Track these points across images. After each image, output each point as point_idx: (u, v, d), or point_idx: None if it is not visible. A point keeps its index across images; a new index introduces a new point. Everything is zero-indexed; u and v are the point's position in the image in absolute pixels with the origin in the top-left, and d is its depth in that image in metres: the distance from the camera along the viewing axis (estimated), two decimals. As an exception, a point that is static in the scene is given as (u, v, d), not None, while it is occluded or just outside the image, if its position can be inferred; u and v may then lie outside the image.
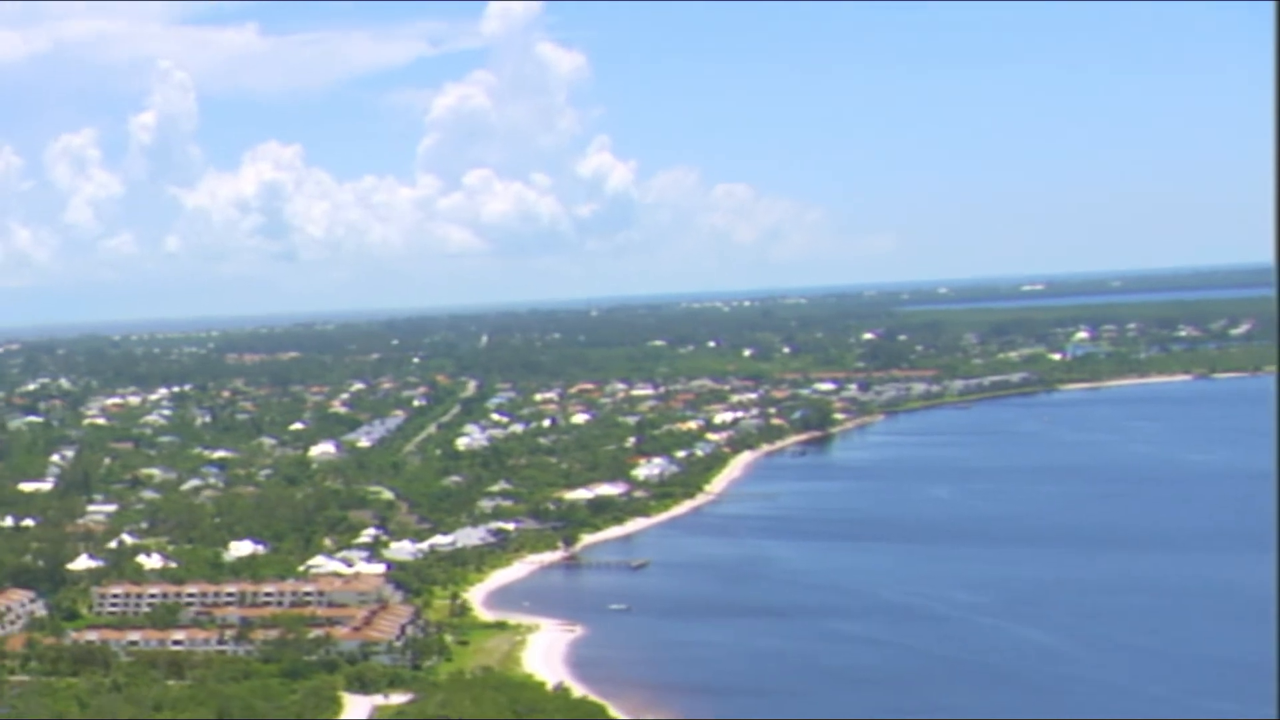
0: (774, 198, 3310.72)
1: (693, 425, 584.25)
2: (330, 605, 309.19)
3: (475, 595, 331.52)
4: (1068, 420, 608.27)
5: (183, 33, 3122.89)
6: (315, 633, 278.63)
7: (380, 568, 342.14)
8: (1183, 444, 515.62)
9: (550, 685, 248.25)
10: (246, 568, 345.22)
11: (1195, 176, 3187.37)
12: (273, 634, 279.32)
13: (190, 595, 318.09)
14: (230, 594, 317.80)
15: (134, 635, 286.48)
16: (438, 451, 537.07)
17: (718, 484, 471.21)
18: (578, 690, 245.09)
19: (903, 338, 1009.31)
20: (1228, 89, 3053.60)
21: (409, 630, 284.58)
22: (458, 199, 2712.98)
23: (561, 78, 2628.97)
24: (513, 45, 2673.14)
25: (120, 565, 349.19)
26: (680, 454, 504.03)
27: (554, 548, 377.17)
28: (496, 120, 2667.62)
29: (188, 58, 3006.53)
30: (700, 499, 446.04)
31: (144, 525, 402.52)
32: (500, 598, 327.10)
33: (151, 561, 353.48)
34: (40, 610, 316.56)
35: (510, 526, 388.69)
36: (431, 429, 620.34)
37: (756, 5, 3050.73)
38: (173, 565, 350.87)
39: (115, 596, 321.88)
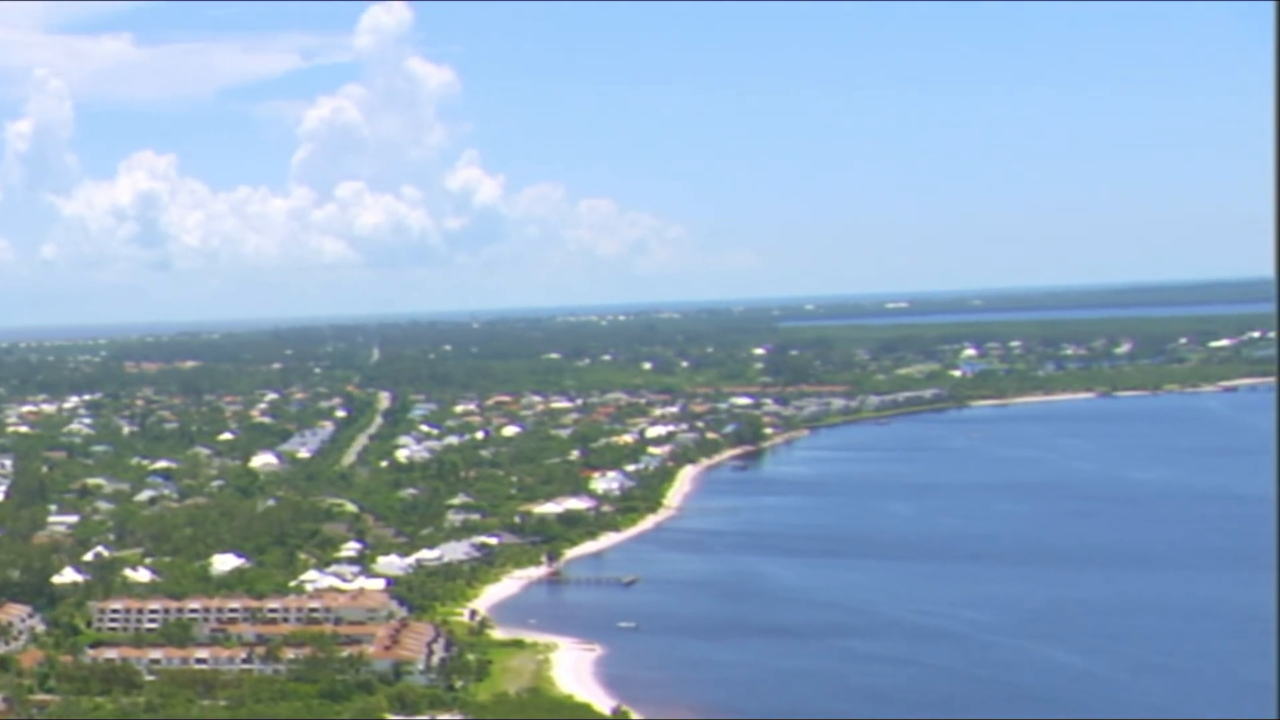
0: (637, 213, 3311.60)
1: (628, 439, 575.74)
2: (339, 622, 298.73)
3: (468, 611, 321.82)
4: (994, 437, 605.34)
5: (59, 41, 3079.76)
6: (344, 651, 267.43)
7: (380, 583, 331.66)
8: (1119, 462, 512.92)
9: (607, 709, 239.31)
10: (240, 582, 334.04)
11: (1045, 198, 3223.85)
12: (303, 652, 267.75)
13: (194, 610, 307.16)
14: (234, 609, 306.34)
15: (156, 653, 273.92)
16: (383, 463, 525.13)
17: (673, 498, 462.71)
18: (634, 714, 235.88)
19: (794, 353, 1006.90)
20: (1078, 109, 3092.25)
21: (435, 649, 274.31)
22: (331, 210, 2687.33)
23: (431, 92, 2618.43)
24: (383, 59, 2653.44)
25: (107, 579, 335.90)
26: (630, 467, 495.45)
27: (536, 563, 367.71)
28: (368, 133, 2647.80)
29: (64, 66, 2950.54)
30: (662, 514, 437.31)
31: (110, 537, 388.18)
32: (502, 614, 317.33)
33: (139, 575, 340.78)
34: (39, 626, 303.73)
35: (493, 541, 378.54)
36: (363, 440, 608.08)
37: (619, 25, 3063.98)
38: (159, 579, 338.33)
39: (116, 612, 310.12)
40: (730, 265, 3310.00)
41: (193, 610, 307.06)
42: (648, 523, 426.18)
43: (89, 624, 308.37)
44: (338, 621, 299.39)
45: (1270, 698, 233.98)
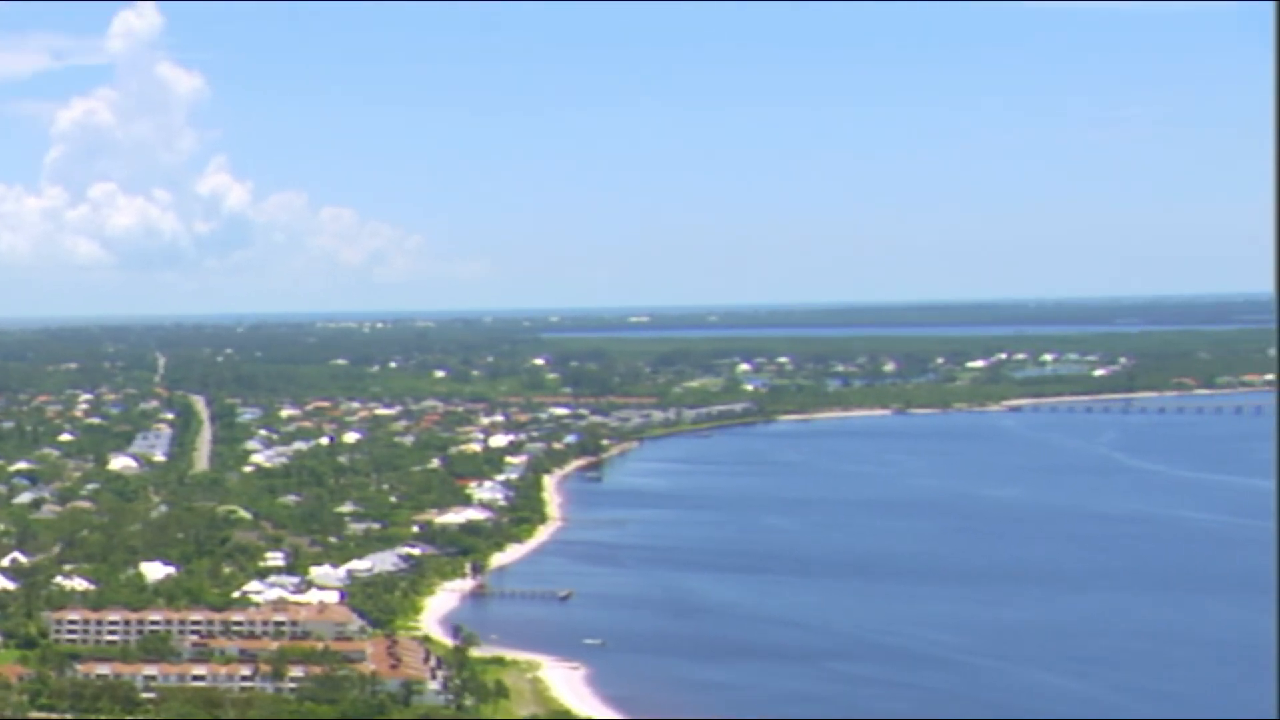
0: (378, 222, 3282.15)
1: (475, 448, 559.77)
2: (305, 636, 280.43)
3: (427, 627, 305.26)
4: (824, 452, 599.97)
5: None
6: (344, 670, 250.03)
7: (334, 595, 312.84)
8: (963, 479, 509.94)
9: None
10: (183, 592, 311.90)
11: (778, 216, 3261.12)
12: (308, 670, 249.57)
13: (155, 623, 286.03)
14: (198, 622, 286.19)
15: (150, 669, 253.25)
16: (246, 469, 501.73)
17: (553, 509, 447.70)
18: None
19: (574, 364, 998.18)
20: (814, 122, 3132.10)
21: (438, 669, 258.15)
22: (84, 211, 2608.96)
23: (182, 97, 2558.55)
24: (135, 63, 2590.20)
25: (34, 587, 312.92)
26: (500, 477, 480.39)
27: (460, 574, 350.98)
28: (120, 135, 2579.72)
29: None
30: (552, 525, 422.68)
31: (13, 543, 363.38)
32: (456, 630, 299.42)
33: (72, 583, 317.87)
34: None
35: (416, 551, 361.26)
36: (205, 444, 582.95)
37: (361, 38, 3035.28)
38: (92, 588, 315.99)
39: (74, 623, 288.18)
40: (466, 275, 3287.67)
41: (154, 622, 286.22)
42: (543, 534, 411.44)
43: (43, 635, 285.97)
44: (304, 636, 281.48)
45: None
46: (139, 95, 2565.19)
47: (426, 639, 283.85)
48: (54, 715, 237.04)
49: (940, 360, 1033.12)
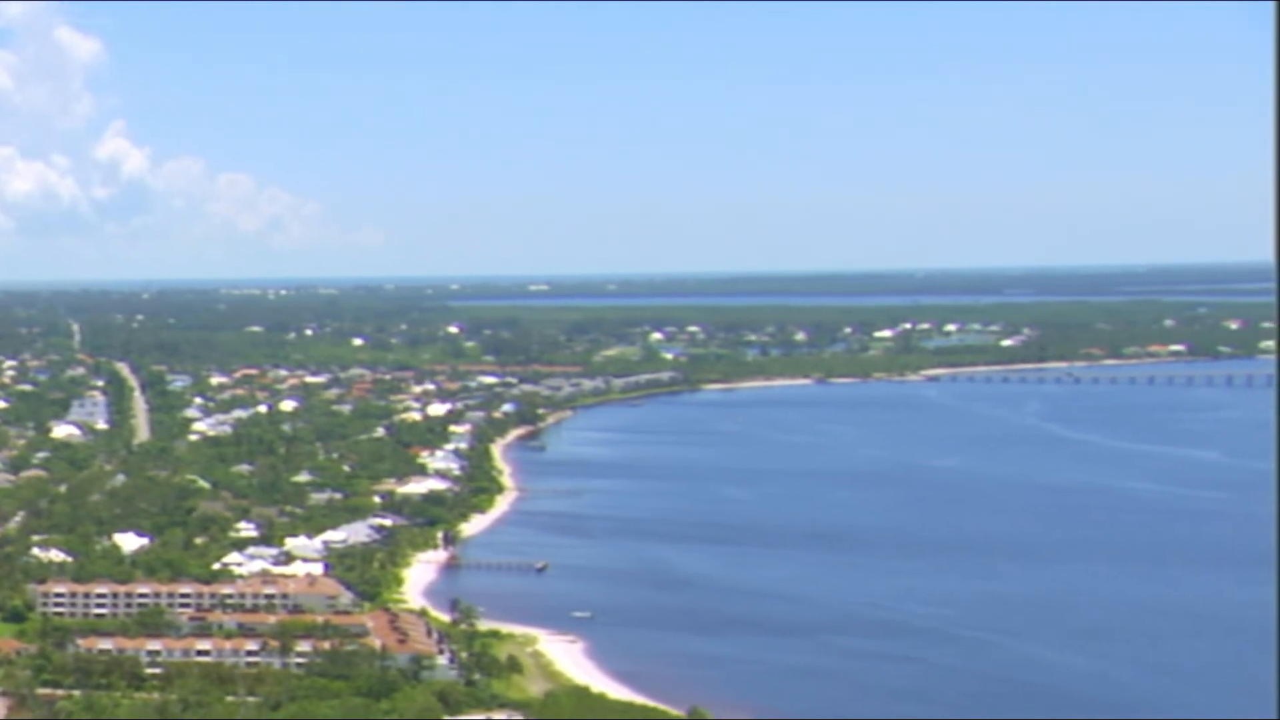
0: (275, 189, 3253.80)
1: (416, 416, 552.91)
2: (297, 609, 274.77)
3: (411, 599, 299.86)
4: (759, 422, 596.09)
5: None
6: (353, 645, 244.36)
7: (318, 567, 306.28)
8: (903, 449, 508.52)
9: (679, 711, 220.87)
10: (164, 566, 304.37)
11: (673, 188, 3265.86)
12: (315, 645, 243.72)
13: (143, 595, 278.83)
14: (185, 594, 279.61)
15: (154, 644, 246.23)
16: (193, 437, 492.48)
17: (506, 480, 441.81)
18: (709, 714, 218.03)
19: (488, 332, 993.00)
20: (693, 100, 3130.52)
21: (435, 641, 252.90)
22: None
23: (79, 62, 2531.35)
24: (34, 28, 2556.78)
25: (13, 558, 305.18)
26: (448, 446, 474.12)
27: (432, 545, 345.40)
28: (19, 100, 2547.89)
29: None
30: (510, 495, 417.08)
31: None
32: (439, 602, 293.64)
33: (50, 555, 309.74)
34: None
35: (387, 522, 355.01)
36: (142, 411, 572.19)
37: (257, 6, 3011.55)
38: (69, 560, 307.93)
39: (60, 595, 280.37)
40: (363, 243, 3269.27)
41: (142, 595, 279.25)
42: (503, 504, 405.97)
43: (29, 607, 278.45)
44: (296, 609, 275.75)
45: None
46: (36, 60, 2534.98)
47: (424, 612, 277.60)
48: (60, 692, 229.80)
49: (848, 330, 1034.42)
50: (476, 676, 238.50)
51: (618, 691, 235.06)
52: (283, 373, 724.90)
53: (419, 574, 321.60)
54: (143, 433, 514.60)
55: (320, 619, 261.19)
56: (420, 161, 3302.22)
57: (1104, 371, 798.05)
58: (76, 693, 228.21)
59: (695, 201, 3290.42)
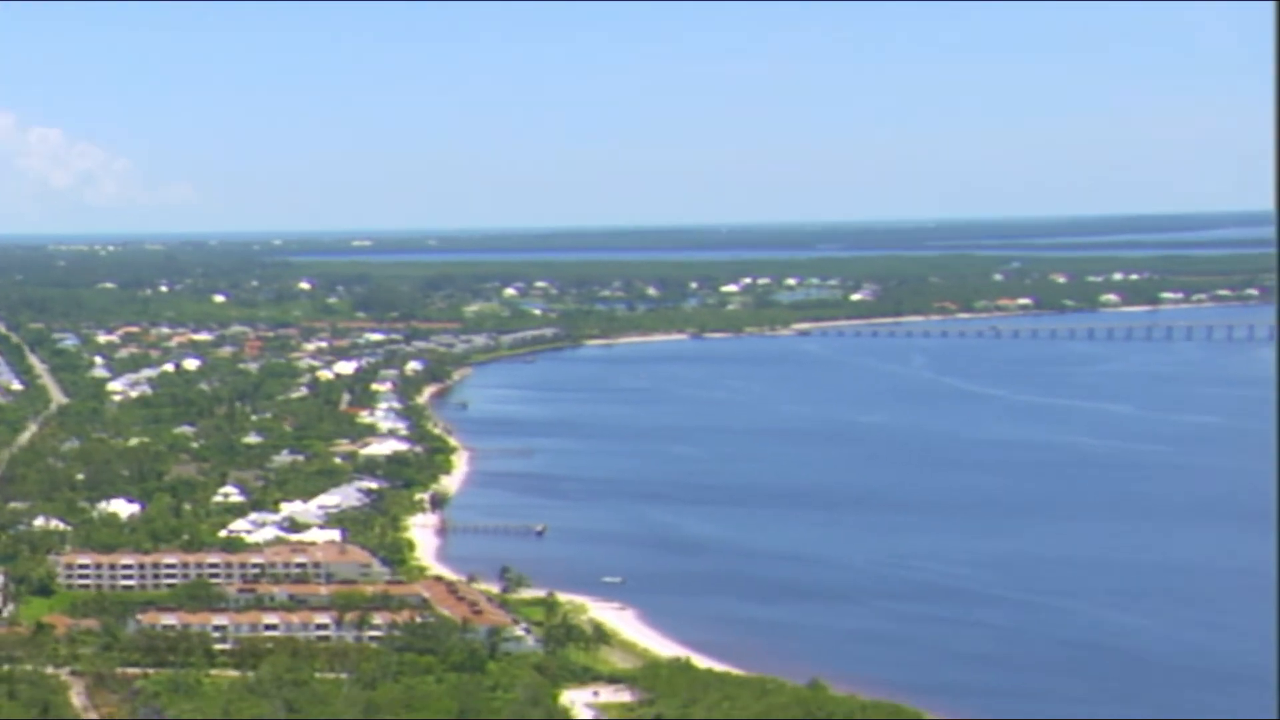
0: (85, 144, 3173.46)
1: (326, 375, 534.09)
2: (330, 579, 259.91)
3: (434, 565, 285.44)
4: (663, 378, 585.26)
5: None
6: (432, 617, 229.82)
7: (335, 534, 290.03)
8: (821, 404, 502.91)
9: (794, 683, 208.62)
10: (173, 534, 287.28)
11: (487, 142, 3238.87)
12: (389, 618, 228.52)
13: (170, 566, 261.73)
14: (215, 564, 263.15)
15: (220, 619, 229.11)
16: (116, 398, 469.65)
17: (453, 440, 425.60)
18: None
19: (340, 288, 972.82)
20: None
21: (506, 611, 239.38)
22: None
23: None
24: None
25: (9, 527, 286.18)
26: (384, 405, 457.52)
27: (419, 508, 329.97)
28: None
29: None
30: (464, 455, 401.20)
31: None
32: (460, 569, 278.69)
33: (48, 525, 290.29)
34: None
35: (374, 485, 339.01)
36: (42, 372, 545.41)
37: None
38: (66, 528, 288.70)
39: (84, 567, 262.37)
40: (175, 198, 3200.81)
41: (169, 565, 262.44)
42: (462, 465, 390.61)
43: (53, 579, 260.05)
44: (329, 578, 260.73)
45: None
46: None
47: (472, 580, 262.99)
48: (134, 670, 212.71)
49: (694, 284, 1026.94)
50: (555, 649, 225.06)
51: (705, 662, 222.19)
52: (165, 330, 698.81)
53: (425, 539, 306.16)
54: (55, 393, 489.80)
55: (369, 589, 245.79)
56: (232, 117, 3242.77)
57: (965, 325, 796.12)
58: (151, 671, 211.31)
59: (501, 155, 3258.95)
